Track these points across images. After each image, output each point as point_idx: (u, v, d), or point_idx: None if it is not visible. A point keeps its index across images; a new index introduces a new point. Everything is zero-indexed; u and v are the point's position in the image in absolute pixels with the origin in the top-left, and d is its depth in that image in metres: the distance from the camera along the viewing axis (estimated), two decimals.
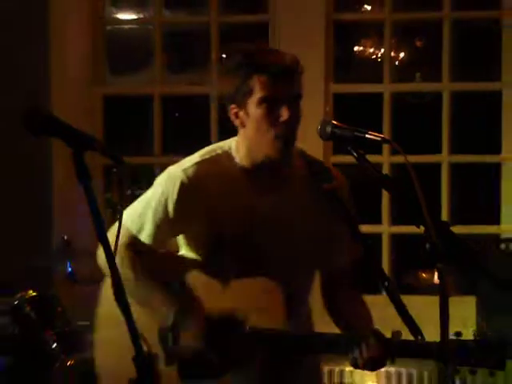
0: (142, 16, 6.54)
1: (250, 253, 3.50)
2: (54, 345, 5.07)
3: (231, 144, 3.58)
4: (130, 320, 2.61)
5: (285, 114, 3.34)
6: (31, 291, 5.18)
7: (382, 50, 6.34)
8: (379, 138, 3.38)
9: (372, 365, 3.40)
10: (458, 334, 3.35)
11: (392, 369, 5.81)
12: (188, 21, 6.61)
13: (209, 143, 5.78)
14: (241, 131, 3.48)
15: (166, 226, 3.50)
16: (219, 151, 3.58)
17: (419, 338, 3.23)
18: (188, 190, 3.47)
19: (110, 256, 2.68)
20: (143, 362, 2.60)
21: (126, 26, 6.60)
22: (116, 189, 4.35)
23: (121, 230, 3.39)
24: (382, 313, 3.69)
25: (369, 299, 3.77)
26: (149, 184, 6.09)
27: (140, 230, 3.51)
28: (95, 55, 6.29)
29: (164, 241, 3.61)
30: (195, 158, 3.57)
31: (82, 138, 2.66)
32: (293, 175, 3.58)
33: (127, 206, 3.58)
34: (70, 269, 5.43)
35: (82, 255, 5.52)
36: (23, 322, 5.06)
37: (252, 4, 6.37)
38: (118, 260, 3.24)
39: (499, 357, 3.31)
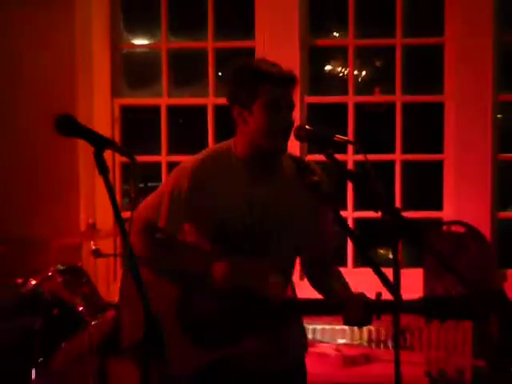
0: (151, 41, 6.55)
1: (248, 233, 3.50)
2: (81, 308, 5.11)
3: (230, 143, 3.57)
4: (142, 290, 2.70)
5: (284, 116, 3.42)
6: (62, 264, 5.20)
7: (347, 69, 6.39)
8: (344, 140, 3.49)
9: (360, 322, 3.48)
10: (379, 294, 3.37)
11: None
12: (189, 45, 6.59)
13: (206, 145, 5.89)
14: (241, 128, 3.49)
15: (180, 212, 3.48)
16: (220, 149, 3.60)
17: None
18: (197, 180, 3.46)
19: (124, 234, 2.72)
20: (151, 322, 2.67)
21: (139, 50, 6.60)
22: (131, 181, 4.41)
23: (138, 221, 3.48)
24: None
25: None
26: (157, 178, 6.16)
27: (157, 218, 3.49)
28: (114, 73, 6.31)
29: (178, 228, 3.54)
30: (201, 154, 3.57)
31: (102, 139, 2.74)
32: (282, 170, 3.58)
33: (140, 195, 3.62)
34: (93, 247, 5.48)
35: (103, 235, 5.58)
36: (55, 289, 5.06)
37: (242, 31, 6.36)
38: (136, 243, 3.34)
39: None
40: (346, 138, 3.49)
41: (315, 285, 3.77)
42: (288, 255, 3.63)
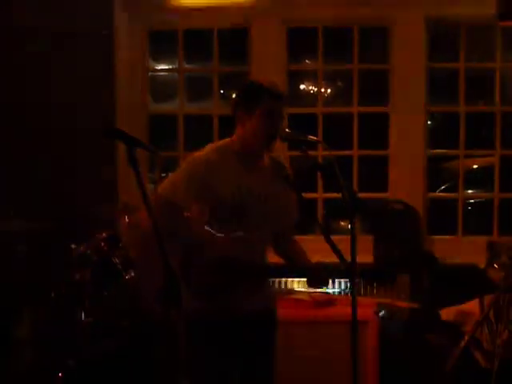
0: (170, 66, 6.48)
1: (236, 212, 3.49)
2: (119, 266, 5.08)
3: (229, 140, 3.60)
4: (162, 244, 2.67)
5: (275, 124, 3.42)
6: (104, 233, 5.17)
7: (317, 87, 6.36)
8: (315, 140, 3.47)
9: (317, 285, 3.47)
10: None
11: None
12: (199, 70, 6.59)
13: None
14: (240, 130, 3.51)
15: (194, 191, 3.46)
16: (222, 144, 3.59)
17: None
18: (209, 167, 3.46)
19: (149, 210, 2.72)
20: (170, 275, 2.65)
21: (161, 73, 6.57)
22: (156, 171, 4.34)
23: (157, 198, 3.44)
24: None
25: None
26: (176, 168, 6.10)
27: (174, 194, 3.46)
28: (143, 90, 6.27)
29: (189, 204, 3.51)
30: (209, 148, 3.58)
31: (133, 140, 2.73)
32: (263, 165, 3.58)
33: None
34: (127, 219, 5.42)
35: (135, 211, 5.54)
36: (99, 252, 5.04)
37: (239, 59, 6.32)
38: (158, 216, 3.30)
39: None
40: (316, 138, 3.47)
41: (281, 253, 3.78)
42: (266, 229, 3.60)
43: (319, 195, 6.23)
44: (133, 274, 5.03)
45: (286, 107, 3.60)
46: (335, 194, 3.23)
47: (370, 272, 3.44)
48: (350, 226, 3.15)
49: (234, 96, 3.69)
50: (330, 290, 5.89)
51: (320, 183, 6.22)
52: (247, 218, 3.51)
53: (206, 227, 3.49)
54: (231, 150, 3.56)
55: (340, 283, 5.87)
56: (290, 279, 5.86)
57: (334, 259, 3.37)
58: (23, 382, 4.09)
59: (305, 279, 3.63)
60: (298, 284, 5.88)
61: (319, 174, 5.78)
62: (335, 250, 3.30)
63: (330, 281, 5.83)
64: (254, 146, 3.51)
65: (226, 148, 3.57)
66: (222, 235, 3.46)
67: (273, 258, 3.83)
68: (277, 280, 5.82)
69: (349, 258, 3.23)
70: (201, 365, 3.53)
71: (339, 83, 6.68)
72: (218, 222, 3.49)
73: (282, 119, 3.51)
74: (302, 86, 6.67)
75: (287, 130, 3.50)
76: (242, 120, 3.49)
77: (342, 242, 3.47)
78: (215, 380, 3.53)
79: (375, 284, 3.46)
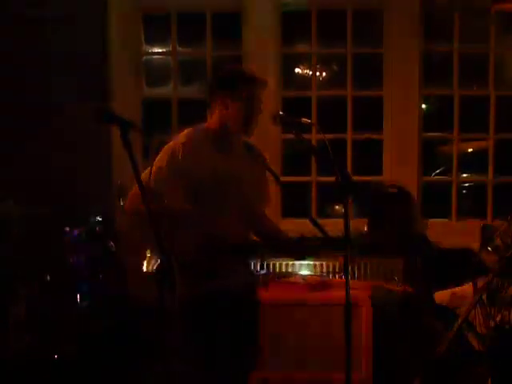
0: (164, 50, 6.47)
1: (214, 195, 3.56)
2: (114, 249, 5.10)
3: (203, 124, 3.69)
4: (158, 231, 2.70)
5: (254, 108, 3.53)
6: (99, 217, 5.18)
7: (311, 70, 6.37)
8: (309, 123, 3.49)
9: (301, 257, 3.54)
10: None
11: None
12: (193, 53, 6.53)
13: None
14: (216, 114, 3.59)
15: (173, 175, 3.53)
16: (197, 129, 3.69)
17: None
18: (186, 152, 3.54)
19: (143, 191, 2.76)
20: (167, 258, 2.68)
21: (155, 56, 6.55)
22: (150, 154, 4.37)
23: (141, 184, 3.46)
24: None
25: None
26: None
27: (155, 183, 3.49)
28: (137, 74, 6.29)
29: (170, 190, 3.54)
30: (184, 134, 3.68)
31: (126, 123, 2.75)
32: (239, 148, 3.68)
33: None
34: (121, 202, 5.45)
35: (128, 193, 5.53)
36: (95, 235, 5.05)
37: (232, 43, 6.32)
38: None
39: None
40: (310, 121, 3.50)
41: (257, 232, 3.86)
42: (243, 209, 3.67)
43: (313, 178, 6.25)
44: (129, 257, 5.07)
45: (277, 90, 3.68)
46: (329, 178, 3.23)
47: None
48: (343, 209, 3.16)
49: (209, 82, 3.82)
50: (325, 274, 5.93)
51: (314, 166, 6.24)
52: (225, 199, 3.58)
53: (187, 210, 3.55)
54: (206, 134, 3.65)
55: (334, 266, 5.91)
56: (283, 262, 5.89)
57: None
58: (19, 363, 4.11)
59: (294, 260, 3.70)
60: (291, 267, 5.91)
61: (313, 157, 5.83)
62: (317, 226, 3.44)
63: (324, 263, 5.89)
64: (232, 130, 3.61)
65: (201, 133, 3.66)
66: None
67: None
68: (271, 264, 5.86)
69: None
70: (190, 342, 3.60)
71: (333, 67, 6.67)
72: (199, 205, 3.55)
73: (261, 103, 3.59)
74: (296, 70, 6.66)
75: (281, 112, 3.52)
76: (220, 105, 3.57)
77: (337, 225, 3.51)
78: (203, 355, 3.60)
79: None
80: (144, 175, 3.54)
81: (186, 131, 3.70)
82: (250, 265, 3.95)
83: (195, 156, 3.55)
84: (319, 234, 3.54)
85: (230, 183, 3.59)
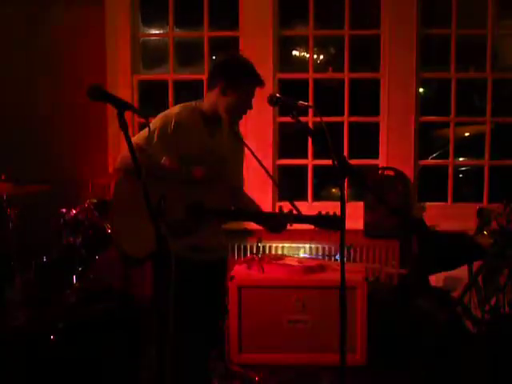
0: (161, 31, 6.46)
1: (205, 165, 3.64)
2: (109, 230, 5.09)
3: (198, 102, 3.78)
4: (153, 210, 2.71)
5: (250, 104, 3.71)
6: (94, 198, 5.18)
7: (308, 53, 6.34)
8: (305, 105, 3.48)
9: (277, 230, 3.60)
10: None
11: None
12: (190, 35, 6.49)
13: None
14: (214, 96, 3.69)
15: (164, 144, 3.60)
16: (192, 105, 3.77)
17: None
18: (177, 123, 3.62)
19: (139, 173, 2.76)
20: (161, 241, 2.69)
21: (152, 38, 6.54)
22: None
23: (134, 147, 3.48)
24: None
25: None
26: None
27: (149, 145, 3.58)
28: (134, 55, 6.25)
29: (161, 155, 3.60)
30: (179, 106, 3.77)
31: (123, 103, 2.76)
32: (225, 130, 3.81)
33: None
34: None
35: None
36: (90, 216, 5.04)
37: (229, 24, 6.31)
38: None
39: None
40: (307, 103, 3.48)
41: (236, 204, 3.88)
42: (225, 186, 3.79)
43: (309, 161, 6.25)
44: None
45: (273, 71, 3.79)
46: (325, 161, 3.23)
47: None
48: (340, 192, 3.15)
49: (216, 64, 3.84)
50: (321, 256, 5.96)
51: (310, 149, 6.24)
52: (210, 175, 3.65)
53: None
54: (199, 112, 3.74)
55: (330, 249, 5.93)
56: (280, 245, 5.92)
57: None
58: (15, 343, 4.12)
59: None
60: (288, 250, 5.94)
61: (310, 139, 5.83)
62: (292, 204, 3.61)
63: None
64: (225, 117, 3.72)
65: (195, 110, 3.74)
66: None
67: None
68: (267, 246, 5.89)
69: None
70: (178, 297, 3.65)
71: (330, 49, 6.66)
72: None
73: (252, 100, 3.72)
74: (294, 52, 6.65)
75: (278, 95, 3.51)
76: (223, 90, 3.66)
77: (333, 208, 3.52)
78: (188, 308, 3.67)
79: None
80: (136, 137, 3.67)
81: (181, 105, 3.78)
82: (226, 239, 3.98)
83: (186, 131, 3.64)
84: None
85: (215, 161, 3.69)
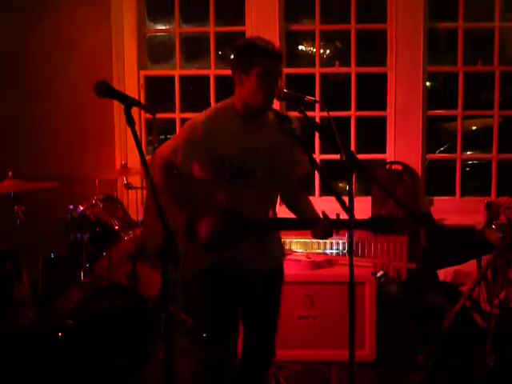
0: (168, 27, 6.46)
1: (242, 171, 3.49)
2: (116, 227, 5.09)
3: (230, 101, 3.56)
4: (162, 212, 2.69)
5: (273, 83, 3.40)
6: (101, 195, 5.18)
7: (315, 48, 6.32)
8: (313, 100, 3.45)
9: (324, 236, 3.48)
10: (338, 215, 3.40)
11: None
12: (196, 30, 6.49)
13: (209, 105, 5.86)
14: (239, 89, 3.48)
15: (192, 153, 3.47)
16: (223, 106, 3.57)
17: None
18: (206, 129, 3.45)
19: (147, 172, 2.73)
20: (169, 236, 2.67)
21: (159, 34, 6.54)
22: (154, 132, 4.33)
23: (159, 159, 3.45)
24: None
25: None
26: (173, 131, 6.18)
27: (174, 158, 3.48)
28: (140, 51, 6.25)
29: (189, 166, 3.51)
30: (209, 110, 3.57)
31: (129, 99, 2.74)
32: (267, 121, 3.57)
33: (160, 143, 3.64)
34: (126, 181, 5.46)
35: (133, 172, 5.55)
36: (97, 212, 5.04)
37: (235, 20, 6.30)
38: (157, 176, 3.31)
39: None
40: (314, 98, 3.45)
41: (290, 206, 3.77)
42: (271, 186, 3.60)
43: (317, 156, 6.20)
44: (131, 235, 5.07)
45: (283, 65, 3.56)
46: (333, 155, 3.21)
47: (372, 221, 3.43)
48: (347, 187, 3.13)
49: (231, 56, 3.63)
50: (328, 251, 5.95)
51: (318, 144, 6.21)
52: (254, 176, 3.52)
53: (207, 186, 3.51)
54: (232, 110, 3.55)
55: (338, 244, 5.92)
56: (287, 240, 5.90)
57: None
58: (24, 340, 4.12)
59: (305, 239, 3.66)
60: (296, 245, 5.92)
61: (317, 134, 5.81)
62: (343, 205, 3.28)
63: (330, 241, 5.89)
64: (252, 105, 3.49)
65: (227, 109, 3.57)
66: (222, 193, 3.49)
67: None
68: None
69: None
70: (210, 312, 3.63)
71: (337, 43, 6.64)
72: (223, 181, 3.50)
73: (280, 77, 3.48)
74: (300, 47, 6.64)
75: (285, 90, 3.48)
76: (239, 80, 3.47)
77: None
78: (222, 324, 3.61)
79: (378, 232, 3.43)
80: (163, 150, 3.54)
81: (211, 108, 3.63)
82: (277, 243, 3.77)
83: (219, 132, 3.48)
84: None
85: (259, 159, 3.52)
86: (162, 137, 6.67)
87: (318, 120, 5.96)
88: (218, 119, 3.51)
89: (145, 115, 6.16)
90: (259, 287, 3.65)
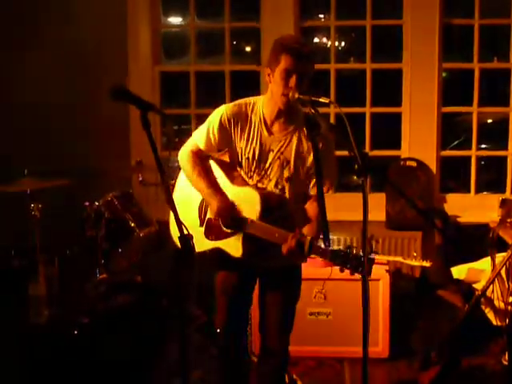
0: (182, 23, 6.47)
1: (260, 167, 3.52)
2: (132, 223, 5.12)
3: (257, 98, 3.58)
4: (175, 211, 2.72)
5: (291, 82, 3.36)
6: (117, 191, 5.20)
7: (330, 42, 6.32)
8: (328, 101, 3.43)
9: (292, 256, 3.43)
10: (350, 247, 3.31)
11: None
12: (211, 26, 6.51)
13: (223, 100, 5.87)
14: (269, 84, 3.47)
15: (213, 139, 3.54)
16: (252, 100, 3.58)
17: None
18: (224, 120, 3.50)
19: (161, 171, 2.77)
20: (185, 238, 2.70)
21: (174, 29, 6.55)
22: (168, 126, 4.32)
23: (191, 141, 3.62)
24: None
25: None
26: (188, 122, 6.18)
27: (200, 141, 3.58)
28: (155, 46, 6.25)
29: (212, 150, 3.59)
30: (241, 100, 3.58)
31: (146, 104, 2.75)
32: (295, 126, 3.53)
33: (175, 136, 3.69)
34: (140, 178, 5.49)
35: (148, 170, 5.57)
36: (113, 209, 5.08)
37: (251, 15, 6.29)
38: (185, 159, 3.58)
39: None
40: (328, 99, 3.43)
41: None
42: (287, 189, 3.56)
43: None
44: (146, 232, 5.10)
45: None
46: (347, 152, 3.19)
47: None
48: (362, 188, 3.11)
49: None
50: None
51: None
52: (267, 175, 3.52)
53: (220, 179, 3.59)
54: (260, 107, 3.55)
55: (352, 241, 5.92)
56: None
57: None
58: (40, 337, 4.16)
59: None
60: None
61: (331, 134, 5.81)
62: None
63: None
64: (278, 104, 3.47)
65: (256, 104, 3.57)
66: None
67: None
68: None
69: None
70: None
71: (352, 39, 6.64)
72: (241, 170, 3.56)
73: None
74: (315, 42, 6.63)
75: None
76: (269, 77, 3.46)
77: (355, 198, 3.47)
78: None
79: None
80: (197, 140, 3.63)
81: (243, 99, 3.62)
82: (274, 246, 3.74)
83: (243, 125, 3.52)
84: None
85: (274, 163, 3.51)
86: (176, 127, 6.71)
87: (332, 117, 5.95)
88: (246, 111, 3.53)
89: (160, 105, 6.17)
90: (268, 281, 3.72)
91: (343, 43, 6.57)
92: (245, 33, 6.26)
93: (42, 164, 4.94)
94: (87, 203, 4.97)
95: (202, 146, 3.59)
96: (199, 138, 3.60)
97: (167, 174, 2.87)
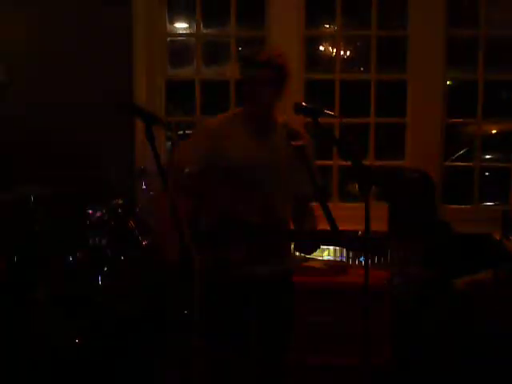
0: (188, 31, 6.48)
1: (250, 176, 3.57)
2: (135, 231, 5.11)
3: (241, 109, 3.67)
4: (177, 219, 2.74)
5: (258, 90, 3.49)
6: (120, 199, 5.22)
7: (335, 52, 6.33)
8: (332, 115, 3.47)
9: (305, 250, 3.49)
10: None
11: None
12: (217, 34, 6.53)
13: (228, 108, 5.88)
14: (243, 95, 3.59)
15: (199, 152, 3.58)
16: (233, 113, 3.71)
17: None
18: (209, 135, 3.59)
19: (164, 179, 2.80)
20: (185, 248, 2.71)
21: (179, 37, 6.56)
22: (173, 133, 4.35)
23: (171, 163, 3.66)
24: None
25: None
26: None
27: (181, 158, 3.65)
28: (160, 54, 6.27)
29: (197, 165, 3.59)
30: (222, 115, 3.70)
31: (150, 117, 2.77)
32: (275, 134, 3.63)
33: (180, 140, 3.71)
34: (144, 186, 5.50)
35: (151, 176, 5.57)
36: (116, 217, 5.09)
37: (256, 24, 6.30)
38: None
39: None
40: (332, 112, 3.47)
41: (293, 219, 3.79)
42: (277, 199, 3.64)
43: (334, 162, 6.22)
44: (150, 239, 5.10)
45: (300, 72, 3.59)
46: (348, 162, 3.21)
47: (357, 241, 3.41)
48: (365, 207, 3.13)
49: None
50: (344, 258, 5.96)
51: (335, 151, 6.17)
52: (253, 185, 3.57)
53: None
54: (241, 117, 3.63)
55: (348, 252, 5.91)
56: None
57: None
58: (41, 343, 4.17)
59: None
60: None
61: (334, 147, 5.81)
62: (329, 217, 3.30)
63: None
64: (253, 114, 3.59)
65: (237, 116, 3.65)
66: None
67: None
68: None
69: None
70: (216, 323, 3.68)
71: (357, 49, 6.64)
72: (230, 184, 3.58)
73: (266, 85, 3.49)
74: (320, 51, 6.64)
75: (304, 103, 3.49)
76: (242, 90, 3.59)
77: (357, 209, 3.49)
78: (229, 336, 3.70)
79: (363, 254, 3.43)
80: (175, 153, 3.72)
81: (222, 115, 3.72)
82: (285, 251, 3.81)
83: (228, 137, 3.57)
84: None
85: (264, 169, 3.58)
86: (181, 132, 6.72)
87: (335, 128, 5.97)
88: (229, 123, 3.61)
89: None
90: (262, 297, 3.71)
91: (348, 53, 6.55)
92: (250, 41, 6.26)
93: (45, 170, 4.93)
94: (90, 211, 4.98)
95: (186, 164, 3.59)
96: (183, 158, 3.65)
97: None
